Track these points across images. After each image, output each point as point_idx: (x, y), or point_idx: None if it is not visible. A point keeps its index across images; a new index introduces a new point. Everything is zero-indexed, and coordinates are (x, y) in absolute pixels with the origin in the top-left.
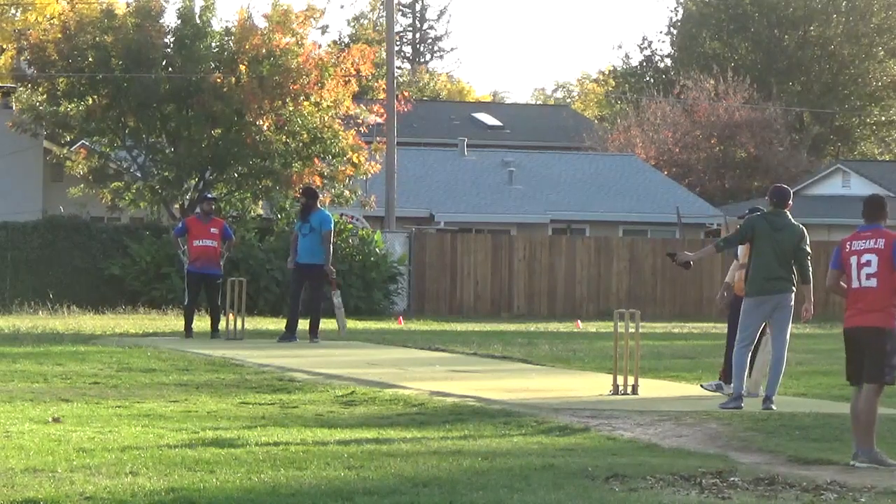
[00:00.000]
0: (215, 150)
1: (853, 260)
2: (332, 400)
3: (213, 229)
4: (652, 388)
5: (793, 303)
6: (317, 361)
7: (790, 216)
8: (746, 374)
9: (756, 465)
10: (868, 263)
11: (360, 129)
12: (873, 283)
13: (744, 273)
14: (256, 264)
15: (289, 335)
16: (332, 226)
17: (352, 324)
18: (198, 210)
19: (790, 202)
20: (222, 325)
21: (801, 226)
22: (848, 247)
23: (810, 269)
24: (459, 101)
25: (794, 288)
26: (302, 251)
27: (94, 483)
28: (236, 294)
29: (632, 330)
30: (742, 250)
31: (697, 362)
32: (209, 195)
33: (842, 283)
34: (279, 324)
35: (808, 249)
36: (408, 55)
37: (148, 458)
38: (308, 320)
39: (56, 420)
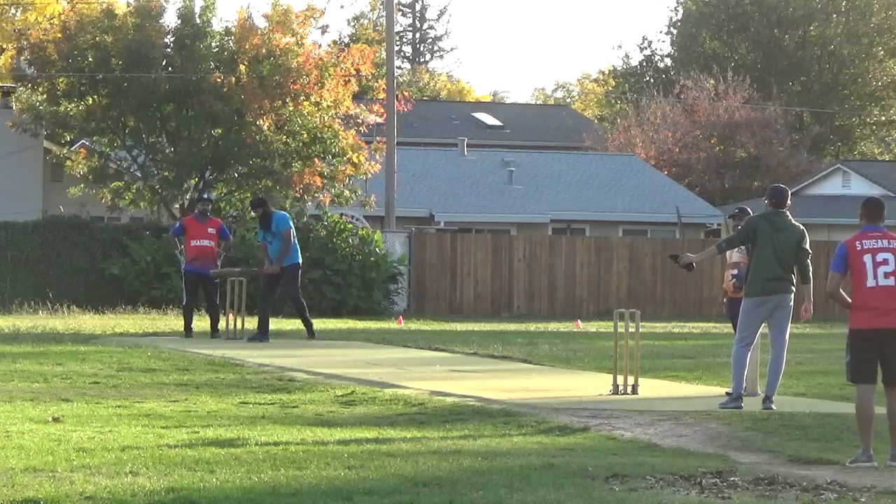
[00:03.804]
0: (215, 150)
1: (867, 258)
2: (332, 400)
3: (210, 229)
4: (652, 388)
5: (792, 303)
6: (317, 361)
7: (790, 216)
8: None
9: (756, 465)
10: (886, 262)
11: (360, 129)
12: (892, 281)
13: (729, 273)
14: (256, 264)
15: (261, 336)
16: (291, 223)
17: (352, 323)
18: (196, 210)
19: (789, 202)
20: (222, 324)
21: (801, 226)
22: (859, 245)
23: (811, 269)
24: (459, 101)
25: (794, 288)
26: (274, 257)
27: (94, 483)
28: (236, 294)
29: (632, 330)
30: (731, 251)
31: (697, 362)
32: (206, 195)
33: (841, 290)
34: (278, 323)
35: (809, 249)
36: (408, 55)
37: (148, 458)
38: (300, 321)
39: (56, 420)
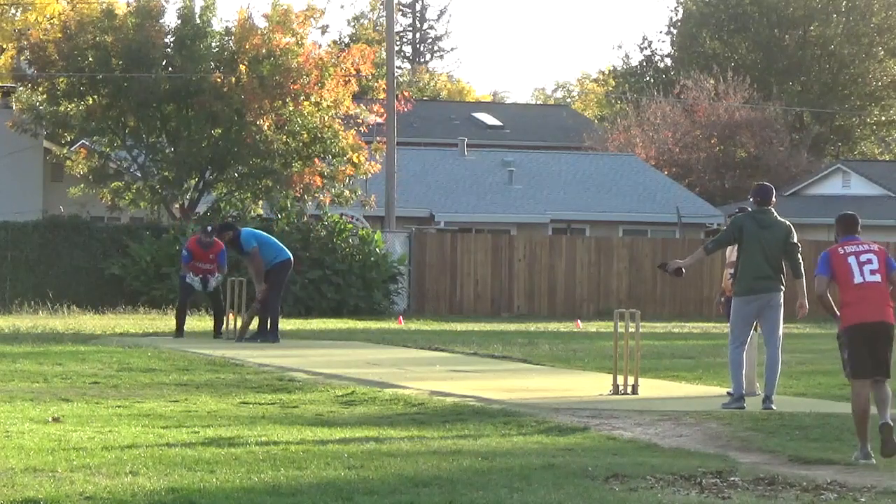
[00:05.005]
0: (215, 150)
1: (852, 260)
2: (332, 400)
3: (212, 255)
4: (652, 388)
5: (782, 301)
6: (317, 361)
7: (776, 213)
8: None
9: (756, 465)
10: (869, 261)
11: (360, 129)
12: (878, 278)
13: (728, 272)
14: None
15: (262, 335)
16: (251, 243)
17: (352, 323)
18: (199, 238)
19: (774, 199)
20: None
21: (787, 222)
22: (841, 251)
23: (801, 263)
24: (459, 100)
25: (783, 287)
26: (257, 279)
27: (94, 483)
28: (236, 294)
29: (632, 330)
30: (728, 249)
31: (697, 362)
32: (210, 228)
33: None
34: (280, 323)
35: (798, 243)
36: (408, 55)
37: (148, 458)
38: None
39: (56, 420)
